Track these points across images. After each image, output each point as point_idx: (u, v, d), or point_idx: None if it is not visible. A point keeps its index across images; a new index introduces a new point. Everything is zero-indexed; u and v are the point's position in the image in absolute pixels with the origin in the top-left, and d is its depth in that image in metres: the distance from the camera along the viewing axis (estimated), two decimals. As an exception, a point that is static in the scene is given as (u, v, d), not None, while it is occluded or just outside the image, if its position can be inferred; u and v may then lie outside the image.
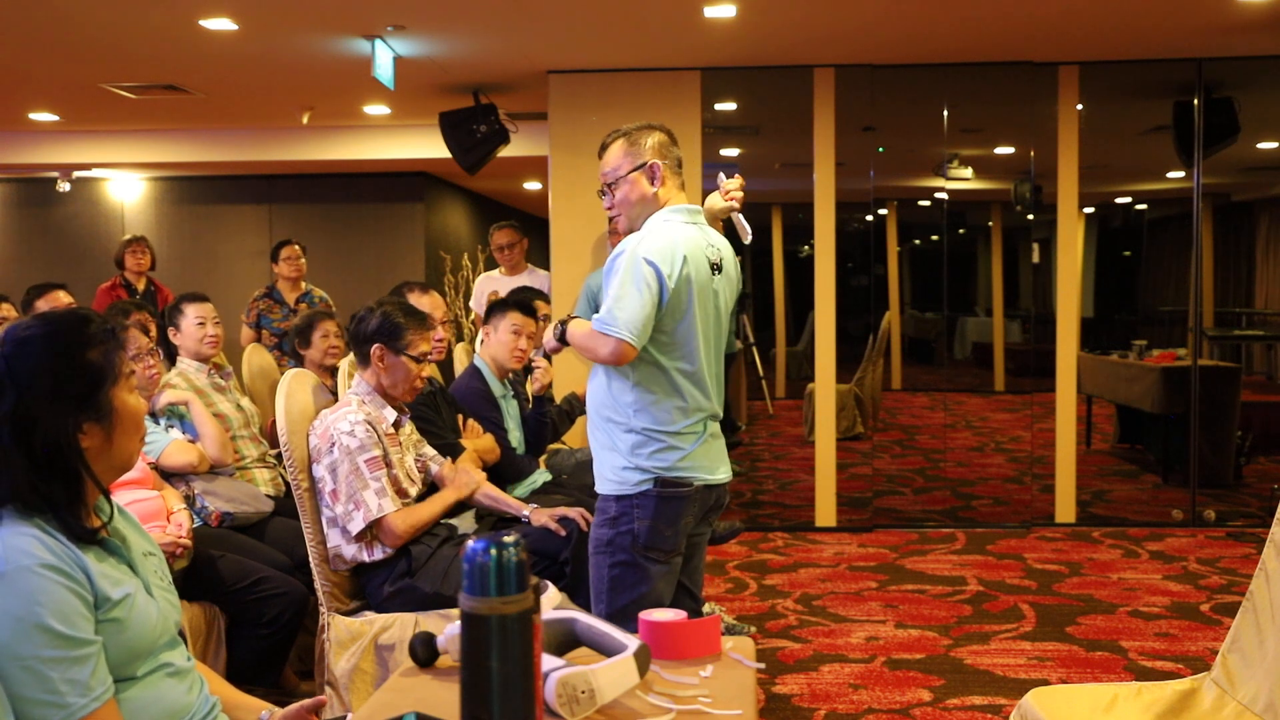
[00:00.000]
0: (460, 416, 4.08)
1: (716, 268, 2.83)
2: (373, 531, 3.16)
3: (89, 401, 1.71)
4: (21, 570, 1.59)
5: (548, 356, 4.27)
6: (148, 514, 3.30)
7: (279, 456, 3.59)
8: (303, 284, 6.47)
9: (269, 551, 3.70)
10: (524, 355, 4.32)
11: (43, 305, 4.83)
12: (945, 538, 5.98)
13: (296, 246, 6.43)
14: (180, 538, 3.30)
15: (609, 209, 2.89)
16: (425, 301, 4.19)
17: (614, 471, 2.77)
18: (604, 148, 2.87)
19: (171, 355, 4.33)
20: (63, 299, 4.90)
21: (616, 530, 2.77)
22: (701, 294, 2.78)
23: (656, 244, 2.70)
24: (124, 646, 1.70)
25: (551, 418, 4.53)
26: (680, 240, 2.73)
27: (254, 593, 3.43)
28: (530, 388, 4.55)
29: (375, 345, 3.28)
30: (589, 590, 3.29)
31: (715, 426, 2.89)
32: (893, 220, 7.18)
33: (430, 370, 3.76)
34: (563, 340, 2.85)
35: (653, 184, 2.80)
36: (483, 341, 4.38)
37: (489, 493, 3.55)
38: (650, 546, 2.76)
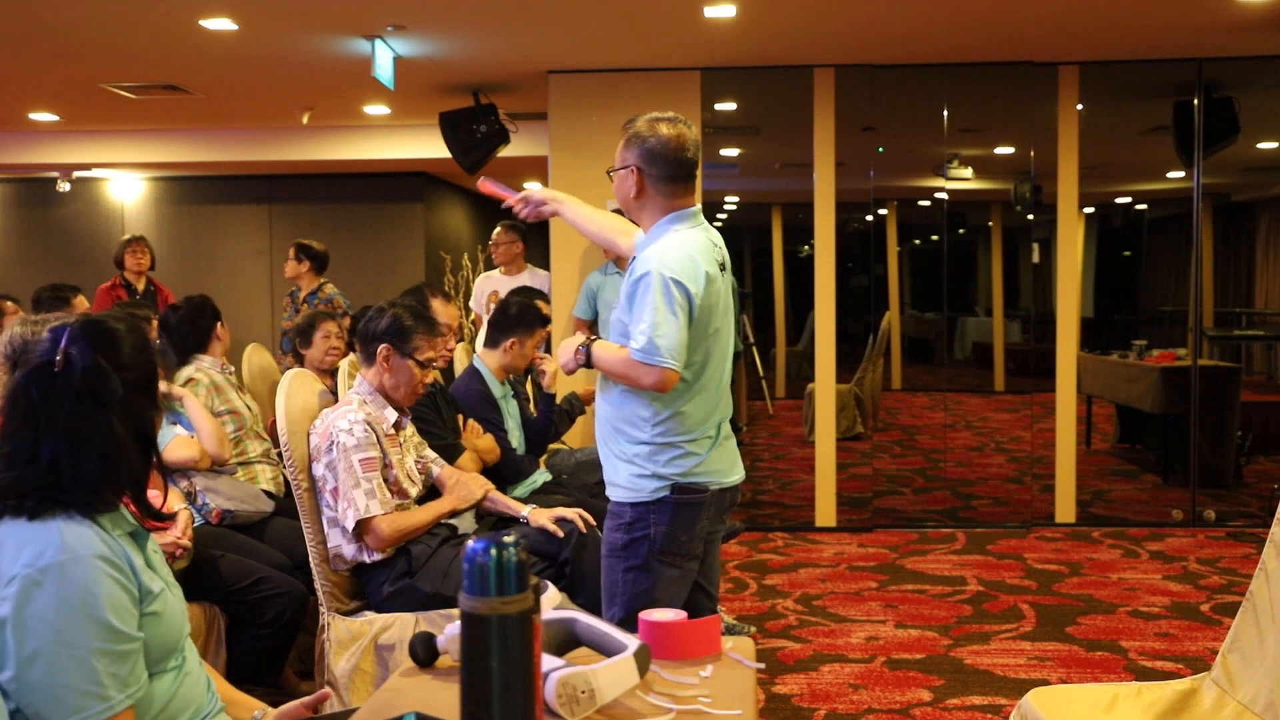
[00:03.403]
0: (460, 417, 4.07)
1: (723, 267, 2.79)
2: (360, 532, 3.16)
3: (154, 395, 1.80)
4: (80, 559, 1.61)
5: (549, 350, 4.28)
6: (148, 513, 3.31)
7: (281, 455, 3.59)
8: (320, 282, 6.55)
9: (269, 551, 3.70)
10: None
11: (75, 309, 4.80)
12: (945, 538, 5.98)
13: (292, 249, 6.54)
14: (180, 538, 3.30)
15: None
16: (443, 311, 4.19)
17: (629, 479, 2.73)
18: (624, 128, 2.80)
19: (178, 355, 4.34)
20: (83, 304, 4.91)
21: (632, 535, 2.73)
22: (721, 300, 2.75)
23: (678, 261, 2.63)
24: (160, 639, 1.73)
25: (552, 417, 4.54)
26: (695, 251, 2.67)
27: (254, 593, 3.43)
28: (542, 383, 4.55)
29: (382, 345, 3.28)
30: (589, 590, 3.29)
31: (727, 427, 2.86)
32: (893, 220, 7.17)
33: (432, 374, 3.76)
34: (588, 364, 2.75)
35: (633, 189, 2.73)
36: (505, 350, 4.31)
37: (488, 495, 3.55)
38: (666, 552, 2.72)
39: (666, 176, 2.71)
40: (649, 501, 2.71)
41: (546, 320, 4.46)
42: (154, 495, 3.34)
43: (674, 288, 2.59)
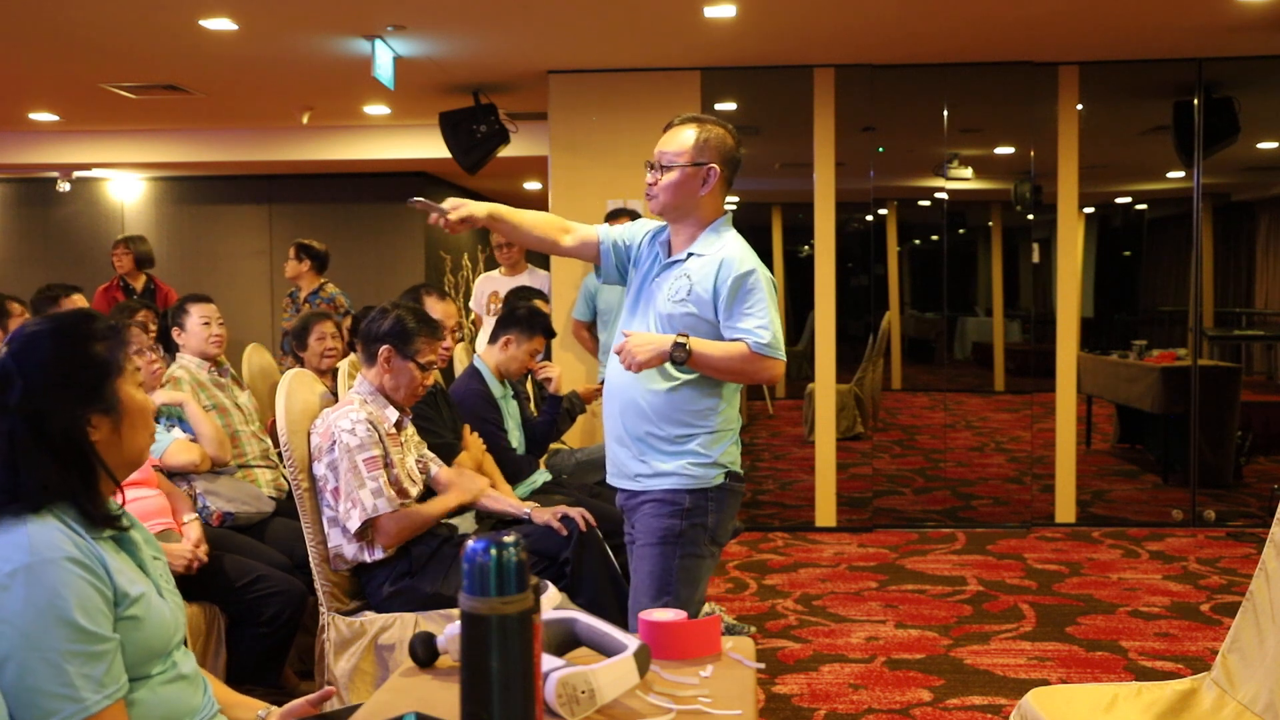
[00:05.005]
0: (467, 428, 4.05)
1: None
2: (368, 531, 3.17)
3: (96, 393, 1.73)
4: (48, 562, 1.60)
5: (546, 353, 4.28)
6: (147, 512, 3.31)
7: (281, 456, 3.59)
8: (321, 282, 6.54)
9: (269, 551, 3.70)
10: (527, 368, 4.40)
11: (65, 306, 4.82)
12: (945, 538, 5.98)
13: (292, 248, 6.54)
14: (195, 549, 3.32)
15: (650, 185, 2.83)
16: (439, 308, 4.18)
17: (686, 467, 2.77)
18: (670, 126, 2.84)
19: (171, 354, 4.34)
20: (80, 302, 4.92)
21: (690, 523, 2.78)
22: None
23: (760, 262, 2.81)
24: (141, 645, 1.71)
25: (556, 418, 4.54)
26: None
27: (252, 591, 3.43)
28: (548, 387, 4.57)
29: (384, 346, 3.29)
30: (589, 590, 3.29)
31: None
32: (893, 220, 7.18)
33: (433, 376, 3.77)
34: (682, 364, 2.70)
35: (702, 186, 2.78)
36: (502, 346, 4.32)
37: (489, 494, 3.56)
38: (714, 540, 2.84)
39: (730, 180, 2.87)
40: (709, 489, 2.79)
41: (550, 332, 4.47)
42: (150, 495, 3.36)
43: (772, 287, 2.79)
